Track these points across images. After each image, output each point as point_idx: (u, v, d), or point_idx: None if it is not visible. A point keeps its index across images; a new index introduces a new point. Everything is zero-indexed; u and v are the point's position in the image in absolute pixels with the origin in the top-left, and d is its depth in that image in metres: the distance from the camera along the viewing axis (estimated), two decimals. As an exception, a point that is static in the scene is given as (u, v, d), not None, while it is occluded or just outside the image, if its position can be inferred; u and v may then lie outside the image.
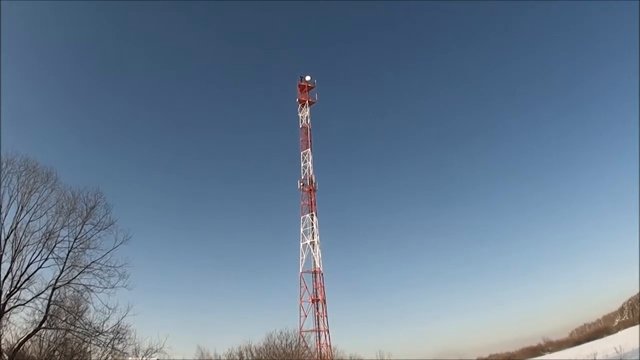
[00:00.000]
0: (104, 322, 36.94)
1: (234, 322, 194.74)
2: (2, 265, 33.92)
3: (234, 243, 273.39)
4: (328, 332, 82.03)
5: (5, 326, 34.51)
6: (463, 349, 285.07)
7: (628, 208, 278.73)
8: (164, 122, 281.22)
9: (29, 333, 33.91)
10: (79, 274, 37.02)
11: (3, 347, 34.30)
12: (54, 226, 37.08)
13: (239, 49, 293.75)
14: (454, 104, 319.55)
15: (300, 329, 78.56)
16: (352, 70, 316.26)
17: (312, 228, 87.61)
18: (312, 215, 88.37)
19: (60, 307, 36.38)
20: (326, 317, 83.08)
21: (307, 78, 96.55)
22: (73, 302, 38.29)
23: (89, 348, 38.08)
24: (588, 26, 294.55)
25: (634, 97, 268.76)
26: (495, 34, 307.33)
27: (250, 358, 59.21)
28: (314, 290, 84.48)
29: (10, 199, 35.59)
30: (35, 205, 36.68)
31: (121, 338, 37.80)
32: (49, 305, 34.89)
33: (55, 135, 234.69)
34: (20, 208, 35.72)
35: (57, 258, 36.42)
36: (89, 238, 38.18)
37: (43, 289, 35.01)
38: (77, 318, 36.80)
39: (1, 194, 35.28)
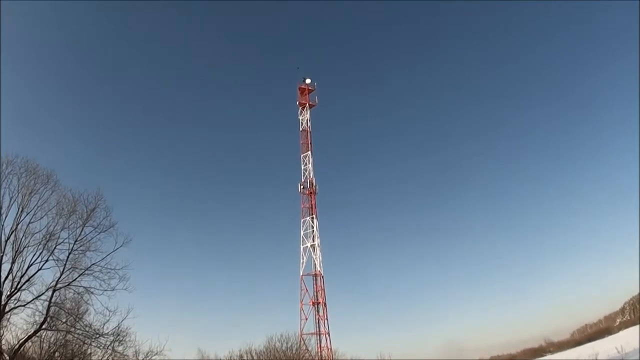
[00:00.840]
0: (104, 324, 37.03)
1: (234, 325, 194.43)
2: (3, 267, 34.04)
3: (235, 245, 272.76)
4: (329, 335, 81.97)
5: (5, 327, 34.61)
6: (464, 351, 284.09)
7: (628, 208, 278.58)
8: (165, 124, 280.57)
9: (29, 334, 33.94)
10: (79, 276, 37.09)
11: (4, 347, 34.33)
12: (54, 228, 37.17)
13: (239, 51, 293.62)
14: (456, 105, 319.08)
15: (301, 332, 78.53)
16: (352, 72, 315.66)
17: (313, 231, 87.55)
18: (313, 218, 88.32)
19: (60, 308, 36.40)
20: (327, 320, 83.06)
21: (307, 81, 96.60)
22: (73, 304, 38.35)
23: (89, 350, 38.08)
24: (588, 26, 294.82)
25: (634, 97, 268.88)
26: (495, 34, 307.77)
27: (250, 361, 59.12)
28: (315, 293, 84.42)
29: (10, 200, 35.66)
30: (36, 207, 36.75)
31: (121, 340, 37.88)
32: (49, 307, 34.91)
33: (55, 136, 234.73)
34: (20, 209, 35.78)
35: (57, 260, 36.50)
36: (89, 240, 38.27)
37: (43, 291, 35.08)
38: (77, 320, 36.81)
39: (1, 195, 35.40)
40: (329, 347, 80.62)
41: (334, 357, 78.20)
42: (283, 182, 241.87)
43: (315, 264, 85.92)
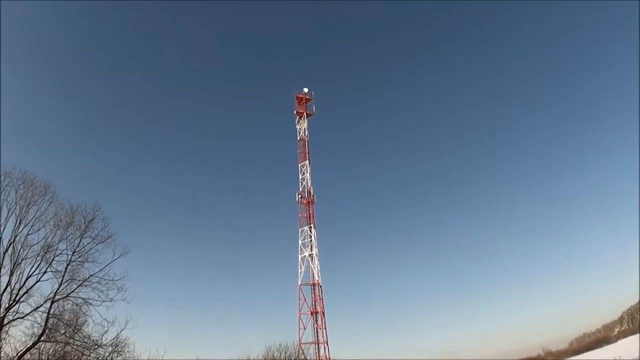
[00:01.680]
0: (102, 335, 36.99)
1: (232, 335, 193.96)
2: (1, 279, 34.01)
3: (233, 255, 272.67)
4: (327, 345, 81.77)
5: (4, 339, 34.51)
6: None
7: (628, 217, 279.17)
8: (163, 133, 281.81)
9: (28, 346, 33.88)
10: (77, 287, 37.07)
11: (3, 360, 34.26)
12: (52, 239, 37.21)
13: (238, 61, 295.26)
14: (453, 112, 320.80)
15: (300, 341, 78.31)
16: (350, 81, 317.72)
17: (311, 240, 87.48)
18: (311, 227, 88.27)
19: (59, 320, 36.38)
20: (325, 329, 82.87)
21: (305, 90, 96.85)
22: (72, 315, 38.33)
23: (88, 361, 37.93)
24: (588, 26, 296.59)
25: (634, 97, 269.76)
26: (493, 37, 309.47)
27: (249, 371, 58.96)
28: (313, 303, 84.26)
29: (8, 212, 35.74)
30: (34, 219, 36.82)
31: (120, 351, 37.85)
32: (47, 319, 34.88)
33: (53, 147, 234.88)
34: (18, 221, 35.83)
35: (55, 271, 36.54)
36: (87, 251, 38.34)
37: (42, 302, 35.13)
38: (75, 331, 36.79)
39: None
40: (327, 356, 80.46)
41: (332, 366, 78.09)
42: (281, 191, 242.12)
43: (313, 273, 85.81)
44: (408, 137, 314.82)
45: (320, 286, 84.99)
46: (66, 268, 36.78)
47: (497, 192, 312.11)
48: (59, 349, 36.20)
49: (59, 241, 37.39)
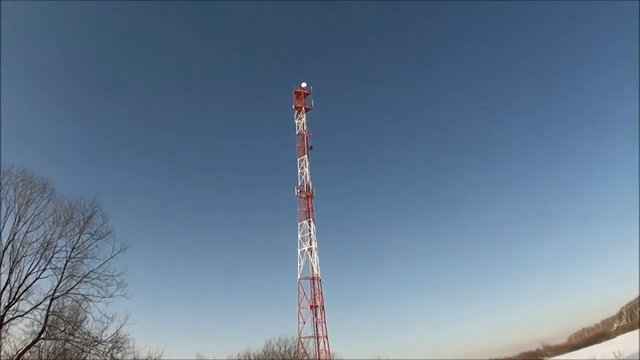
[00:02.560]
0: (102, 332, 37.01)
1: (232, 329, 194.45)
2: (1, 277, 34.01)
3: (232, 250, 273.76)
4: (327, 338, 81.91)
5: (4, 338, 34.52)
6: (462, 354, 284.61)
7: (627, 213, 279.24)
8: (161, 129, 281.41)
9: (27, 344, 33.91)
10: (77, 283, 37.07)
11: (3, 359, 34.26)
12: (51, 236, 37.21)
13: (236, 56, 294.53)
14: (453, 107, 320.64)
15: (299, 335, 78.46)
16: (348, 76, 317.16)
17: (310, 234, 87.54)
18: (310, 221, 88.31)
19: (58, 317, 36.42)
20: (325, 323, 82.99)
21: (303, 85, 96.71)
22: (71, 312, 38.34)
23: (88, 358, 37.98)
24: (588, 26, 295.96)
25: (634, 97, 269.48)
26: (493, 37, 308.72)
27: (249, 365, 59.23)
28: (312, 297, 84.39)
29: (7, 211, 35.74)
30: (33, 216, 36.81)
31: (120, 347, 37.83)
32: (47, 316, 34.91)
33: (51, 145, 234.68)
34: (17, 219, 35.81)
35: (55, 268, 36.55)
36: (87, 247, 38.33)
37: (41, 300, 35.13)
38: (75, 328, 36.78)
39: (-1, 206, 35.40)
40: (326, 350, 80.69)
41: (331, 360, 78.32)
42: (280, 186, 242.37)
43: (312, 267, 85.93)
44: (407, 131, 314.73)
45: (320, 280, 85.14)
46: (65, 265, 36.85)
47: (498, 188, 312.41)
48: (59, 346, 36.24)
49: (58, 238, 37.46)
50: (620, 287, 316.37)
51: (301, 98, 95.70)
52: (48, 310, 34.91)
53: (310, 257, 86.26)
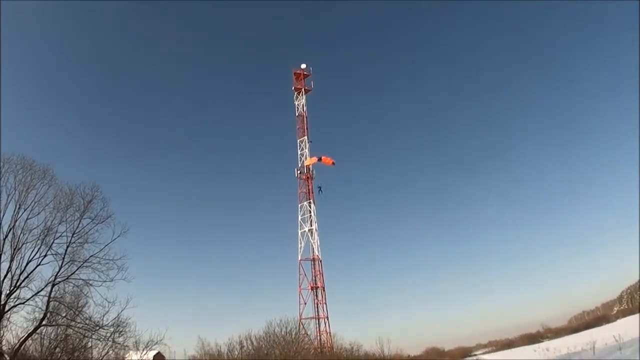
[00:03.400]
0: (103, 316, 37.17)
1: (234, 312, 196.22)
2: (2, 265, 34.07)
3: (233, 232, 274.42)
4: (327, 319, 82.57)
5: (5, 326, 34.65)
6: (461, 336, 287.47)
7: (628, 196, 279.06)
8: (159, 111, 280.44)
9: (29, 331, 34.06)
10: (77, 268, 37.10)
11: (4, 347, 34.45)
12: (52, 222, 37.16)
13: (234, 39, 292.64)
14: (453, 93, 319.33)
15: (300, 316, 79.09)
16: (349, 58, 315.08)
17: (310, 216, 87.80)
18: (310, 202, 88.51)
19: (60, 303, 36.48)
20: (325, 304, 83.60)
21: (303, 66, 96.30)
22: (73, 297, 38.40)
23: (89, 343, 38.28)
24: (588, 26, 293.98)
25: (634, 97, 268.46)
26: (493, 37, 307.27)
27: (250, 347, 59.52)
28: (313, 278, 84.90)
29: (7, 198, 35.69)
30: (33, 203, 36.72)
31: (121, 331, 38.04)
32: (48, 302, 35.02)
33: (49, 132, 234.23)
34: (18, 206, 35.76)
35: (55, 254, 36.51)
36: (87, 232, 38.29)
37: (43, 286, 35.15)
38: (77, 313, 36.91)
39: (-1, 193, 35.42)
40: (327, 331, 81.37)
41: (332, 341, 78.92)
42: (281, 167, 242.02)
43: (313, 249, 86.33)
44: (408, 113, 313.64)
45: (320, 261, 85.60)
46: (66, 250, 36.80)
47: (497, 170, 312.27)
48: (61, 332, 36.40)
49: (59, 223, 37.42)
50: (621, 270, 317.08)
51: (301, 79, 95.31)
52: (49, 297, 35.02)
53: (310, 238, 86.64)
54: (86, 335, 36.84)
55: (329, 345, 78.08)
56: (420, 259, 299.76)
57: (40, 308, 34.92)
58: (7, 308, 33.50)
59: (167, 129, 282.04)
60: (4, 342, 34.77)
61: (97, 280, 37.63)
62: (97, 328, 36.82)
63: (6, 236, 34.49)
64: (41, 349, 35.62)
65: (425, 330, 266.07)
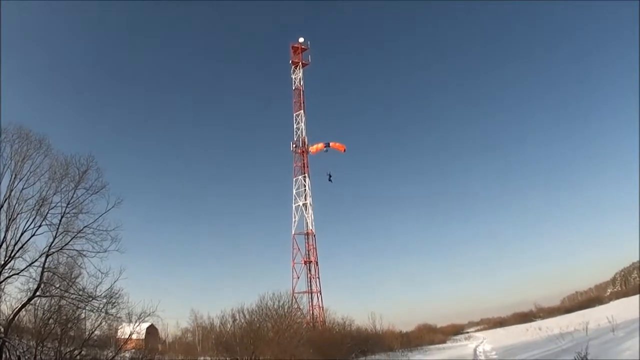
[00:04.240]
0: (96, 287, 37.05)
1: (227, 285, 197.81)
2: (-2, 236, 34.03)
3: (226, 206, 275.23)
4: (320, 294, 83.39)
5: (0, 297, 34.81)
6: (454, 313, 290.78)
7: (624, 177, 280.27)
8: (155, 86, 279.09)
9: (23, 302, 34.07)
10: (71, 239, 36.95)
11: (-2, 319, 34.56)
12: (47, 192, 36.93)
13: (231, 13, 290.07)
14: (454, 72, 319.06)
15: (293, 290, 79.60)
16: (347, 31, 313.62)
17: (305, 190, 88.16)
18: (305, 177, 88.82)
19: (53, 274, 36.41)
20: (318, 278, 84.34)
21: (301, 40, 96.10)
22: (66, 268, 38.32)
23: (83, 314, 38.36)
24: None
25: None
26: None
27: (242, 320, 59.77)
28: (307, 252, 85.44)
29: (3, 168, 35.46)
30: (29, 173, 36.48)
31: (114, 303, 38.06)
32: (42, 273, 34.92)
33: (47, 105, 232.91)
34: (13, 176, 35.55)
35: (50, 225, 36.35)
36: (82, 202, 38.00)
37: (37, 257, 35.13)
38: (70, 284, 36.86)
39: (-6, 164, 35.20)
40: (320, 305, 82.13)
41: (325, 315, 79.62)
42: (276, 141, 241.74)
43: (307, 223, 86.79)
44: (405, 90, 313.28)
45: (314, 235, 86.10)
46: (60, 220, 36.60)
47: (492, 153, 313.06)
48: (54, 303, 36.30)
49: (54, 194, 37.20)
50: (615, 252, 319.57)
51: (298, 53, 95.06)
52: (43, 267, 34.88)
53: (304, 212, 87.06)
54: (79, 306, 36.83)
55: (321, 319, 78.85)
56: (416, 236, 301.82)
57: (34, 279, 34.88)
58: (1, 279, 33.56)
59: (162, 101, 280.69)
60: (-1, 313, 34.86)
61: (90, 251, 37.53)
62: (90, 299, 36.82)
63: (1, 206, 34.41)
64: (35, 320, 35.66)
65: (419, 308, 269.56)
